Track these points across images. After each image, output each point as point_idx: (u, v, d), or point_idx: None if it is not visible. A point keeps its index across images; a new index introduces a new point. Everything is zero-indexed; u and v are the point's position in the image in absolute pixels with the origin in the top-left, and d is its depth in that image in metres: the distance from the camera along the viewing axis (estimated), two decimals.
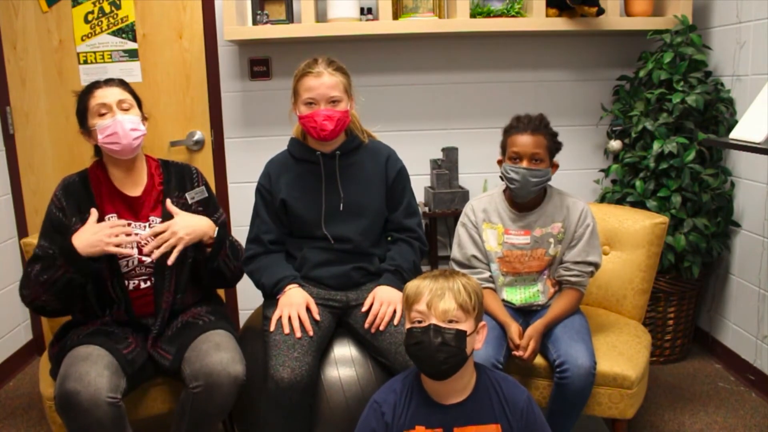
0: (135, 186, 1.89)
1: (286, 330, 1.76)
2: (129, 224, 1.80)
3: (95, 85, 1.84)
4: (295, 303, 1.82)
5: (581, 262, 1.96)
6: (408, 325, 1.45)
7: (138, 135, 1.82)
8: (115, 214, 1.83)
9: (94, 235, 1.72)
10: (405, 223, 2.01)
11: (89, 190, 1.84)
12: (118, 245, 1.72)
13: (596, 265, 1.99)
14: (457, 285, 1.42)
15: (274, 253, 1.97)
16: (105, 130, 1.78)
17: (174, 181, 1.93)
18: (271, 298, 1.90)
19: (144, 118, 1.89)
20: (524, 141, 1.90)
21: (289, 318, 1.78)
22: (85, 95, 1.84)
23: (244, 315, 3.03)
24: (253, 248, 1.96)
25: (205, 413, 1.71)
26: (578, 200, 2.01)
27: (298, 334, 1.75)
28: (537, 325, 1.90)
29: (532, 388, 1.91)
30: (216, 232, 1.88)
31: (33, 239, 2.01)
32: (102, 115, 1.79)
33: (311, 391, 1.73)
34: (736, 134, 1.91)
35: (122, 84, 1.87)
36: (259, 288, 1.96)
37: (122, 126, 1.78)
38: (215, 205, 2.00)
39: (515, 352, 1.87)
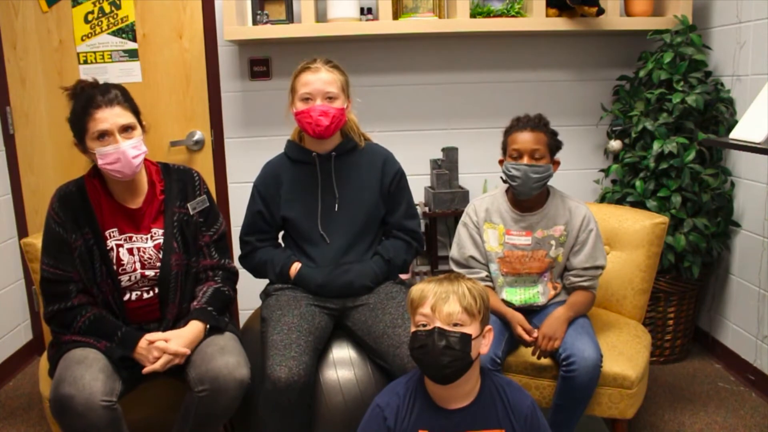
0: (135, 197, 1.81)
1: None
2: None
3: (94, 104, 1.67)
4: None
5: (590, 267, 1.97)
6: (413, 329, 1.44)
7: (140, 159, 1.73)
8: (115, 228, 1.78)
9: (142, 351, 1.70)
10: (405, 224, 2.02)
11: (87, 202, 1.76)
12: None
13: (603, 267, 2.01)
14: (462, 288, 1.41)
15: (266, 246, 2.03)
16: (106, 156, 1.68)
17: (176, 190, 1.85)
18: (281, 281, 1.97)
19: (144, 131, 1.77)
20: (524, 138, 1.90)
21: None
22: (82, 114, 1.68)
23: (244, 315, 3.02)
24: (248, 244, 2.03)
25: (210, 416, 1.70)
26: (580, 203, 2.01)
27: None
28: (560, 316, 1.89)
29: (533, 387, 1.91)
30: (206, 329, 1.79)
31: (33, 239, 2.01)
32: (102, 139, 1.68)
33: (309, 391, 1.72)
34: (736, 134, 1.91)
35: (122, 99, 1.72)
36: (263, 277, 2.03)
37: (125, 155, 1.68)
38: (216, 215, 1.92)
39: (537, 344, 1.86)
